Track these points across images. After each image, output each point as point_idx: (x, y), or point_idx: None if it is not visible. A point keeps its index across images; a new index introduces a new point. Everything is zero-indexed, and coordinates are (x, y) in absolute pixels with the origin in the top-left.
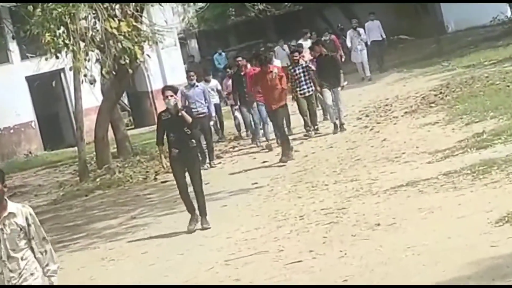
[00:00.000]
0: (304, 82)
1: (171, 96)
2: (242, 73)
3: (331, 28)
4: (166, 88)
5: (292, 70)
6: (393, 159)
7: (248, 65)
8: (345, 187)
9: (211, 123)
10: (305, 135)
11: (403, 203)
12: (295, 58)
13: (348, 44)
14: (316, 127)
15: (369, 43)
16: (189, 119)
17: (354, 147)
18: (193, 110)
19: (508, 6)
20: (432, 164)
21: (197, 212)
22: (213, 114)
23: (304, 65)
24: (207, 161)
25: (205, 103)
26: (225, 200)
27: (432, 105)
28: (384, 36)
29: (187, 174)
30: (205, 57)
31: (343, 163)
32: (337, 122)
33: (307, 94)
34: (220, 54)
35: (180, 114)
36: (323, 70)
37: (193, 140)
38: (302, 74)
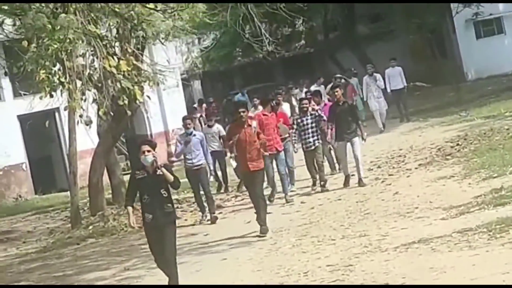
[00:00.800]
0: (311, 134)
1: (149, 151)
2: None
3: (343, 72)
4: (143, 142)
5: (299, 120)
6: (405, 214)
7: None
8: (353, 242)
9: (211, 178)
10: (312, 189)
11: (414, 261)
12: (304, 106)
13: (364, 91)
14: (323, 183)
15: (389, 91)
16: (171, 177)
17: (364, 200)
18: (188, 161)
19: None
20: (446, 221)
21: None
22: (211, 166)
23: (315, 115)
24: (207, 213)
25: (203, 153)
26: (225, 253)
27: (448, 157)
28: (405, 84)
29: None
30: (222, 97)
31: (351, 217)
32: (350, 174)
33: (313, 147)
34: (243, 94)
35: (158, 173)
36: (340, 119)
37: (169, 205)
38: (310, 125)
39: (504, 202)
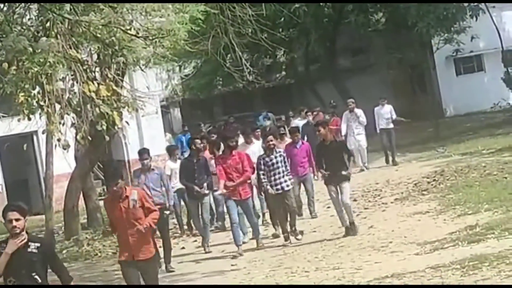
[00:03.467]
0: (282, 174)
1: (18, 220)
2: (195, 160)
3: (323, 104)
4: (10, 208)
5: (267, 159)
6: (379, 248)
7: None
8: (326, 274)
9: (167, 212)
10: (284, 244)
11: None
12: (270, 144)
13: (343, 128)
14: (294, 228)
15: (378, 130)
16: None
17: (338, 233)
18: None
19: (510, 92)
20: (420, 256)
21: None
22: (171, 203)
23: (281, 153)
24: (164, 263)
25: (162, 190)
26: (198, 281)
27: (424, 192)
28: (393, 125)
29: None
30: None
31: (326, 249)
32: (348, 223)
33: (285, 189)
34: (266, 117)
35: (29, 249)
36: (328, 160)
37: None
38: (279, 164)
39: (478, 239)
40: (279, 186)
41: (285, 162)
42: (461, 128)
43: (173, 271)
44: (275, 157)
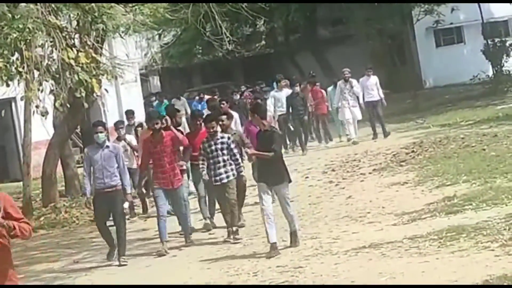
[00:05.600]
0: (221, 164)
1: None
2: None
3: (302, 74)
4: None
5: (206, 145)
6: (356, 219)
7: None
8: (304, 244)
9: (125, 205)
10: (225, 240)
11: (363, 266)
12: (211, 130)
13: (337, 98)
14: (236, 229)
15: (361, 102)
16: None
17: (316, 203)
18: (98, 181)
19: (490, 64)
20: (397, 227)
21: None
22: (128, 188)
23: (224, 140)
24: (115, 255)
25: (117, 171)
26: (176, 250)
27: (403, 163)
28: (382, 96)
29: None
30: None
31: (303, 219)
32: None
33: (224, 181)
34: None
35: None
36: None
37: None
38: (219, 153)
39: (456, 210)
40: (217, 177)
41: (229, 150)
42: (440, 100)
43: (125, 265)
44: (215, 144)
